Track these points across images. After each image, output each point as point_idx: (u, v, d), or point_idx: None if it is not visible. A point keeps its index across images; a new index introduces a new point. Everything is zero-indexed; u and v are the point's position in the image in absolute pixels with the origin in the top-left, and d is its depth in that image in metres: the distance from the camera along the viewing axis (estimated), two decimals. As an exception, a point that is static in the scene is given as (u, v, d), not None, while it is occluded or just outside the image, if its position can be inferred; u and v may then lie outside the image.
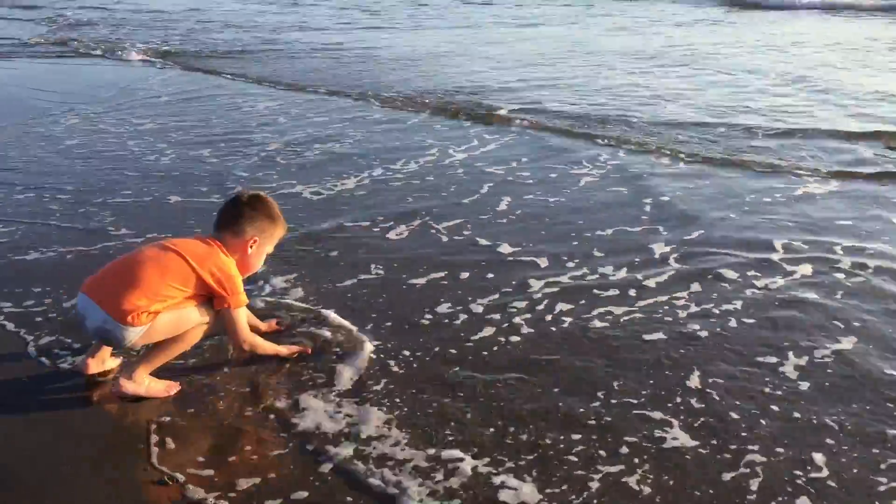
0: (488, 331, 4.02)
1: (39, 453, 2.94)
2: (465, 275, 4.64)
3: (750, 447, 3.13)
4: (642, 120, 8.11)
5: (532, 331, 3.98)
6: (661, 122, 8.09)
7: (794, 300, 4.30)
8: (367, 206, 5.74)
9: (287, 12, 19.40)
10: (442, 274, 4.63)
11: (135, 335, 2.89)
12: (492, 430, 3.25)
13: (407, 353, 3.79)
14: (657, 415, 3.35)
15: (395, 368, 3.66)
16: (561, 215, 5.59)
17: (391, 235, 5.24)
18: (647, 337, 4.00)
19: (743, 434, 3.22)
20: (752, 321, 4.08)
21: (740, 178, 6.51)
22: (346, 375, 3.48)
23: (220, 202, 3.55)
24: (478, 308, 4.26)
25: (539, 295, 4.39)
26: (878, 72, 10.95)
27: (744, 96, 9.40)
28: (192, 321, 3.00)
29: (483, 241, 5.13)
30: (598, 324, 4.12)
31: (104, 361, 3.22)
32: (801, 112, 8.60)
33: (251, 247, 3.09)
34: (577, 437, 3.21)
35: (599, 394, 3.51)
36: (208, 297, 3.03)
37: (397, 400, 3.34)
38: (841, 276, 4.65)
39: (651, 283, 4.60)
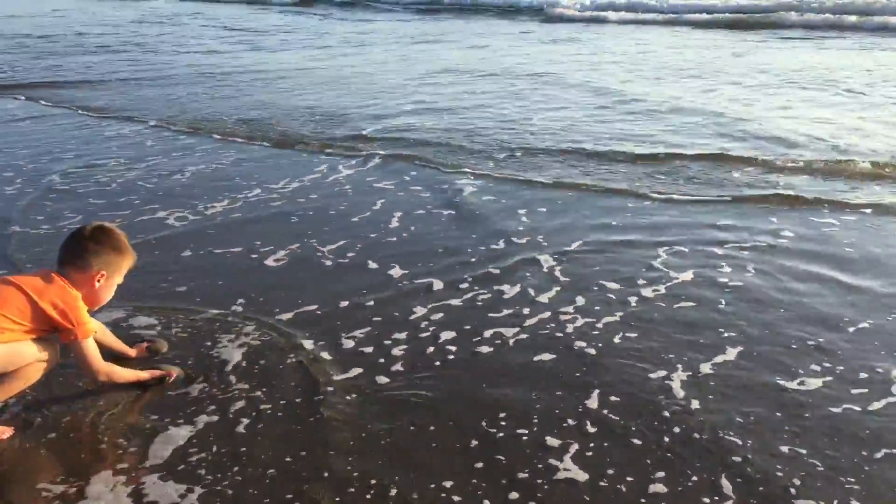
0: (356, 371, 3.54)
1: None
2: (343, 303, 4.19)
3: (657, 474, 2.86)
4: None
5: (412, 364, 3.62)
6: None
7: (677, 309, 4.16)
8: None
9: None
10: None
11: None
12: (352, 489, 2.77)
13: (264, 400, 3.32)
14: (553, 442, 3.04)
15: (245, 422, 3.17)
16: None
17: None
18: (537, 357, 3.67)
19: (647, 461, 2.94)
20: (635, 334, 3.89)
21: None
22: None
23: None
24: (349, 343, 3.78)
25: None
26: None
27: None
28: (26, 357, 2.85)
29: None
30: (485, 349, 3.73)
31: None
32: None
33: (98, 281, 3.01)
34: (454, 484, 2.80)
35: (486, 427, 3.14)
36: (51, 331, 2.92)
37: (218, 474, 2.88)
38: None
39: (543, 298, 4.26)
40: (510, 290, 4.41)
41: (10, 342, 2.83)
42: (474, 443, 3.07)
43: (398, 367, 3.61)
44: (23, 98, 10.59)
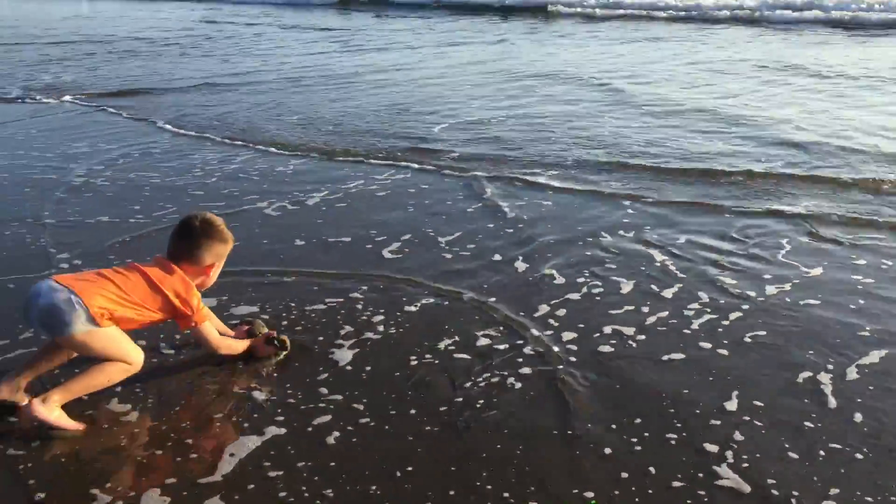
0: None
1: None
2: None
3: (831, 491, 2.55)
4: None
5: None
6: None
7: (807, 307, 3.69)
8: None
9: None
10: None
11: (82, 324, 2.80)
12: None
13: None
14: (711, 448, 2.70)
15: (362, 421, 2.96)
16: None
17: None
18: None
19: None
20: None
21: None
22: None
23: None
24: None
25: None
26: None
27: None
28: (127, 352, 2.94)
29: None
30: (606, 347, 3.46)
31: (19, 390, 3.00)
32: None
33: (209, 273, 3.20)
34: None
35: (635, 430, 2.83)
36: (170, 317, 3.10)
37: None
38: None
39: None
40: (626, 286, 4.13)
41: (125, 330, 3.00)
42: (634, 447, 2.81)
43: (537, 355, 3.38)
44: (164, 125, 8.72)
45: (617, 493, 2.55)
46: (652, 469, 2.66)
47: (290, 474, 2.71)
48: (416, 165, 6.64)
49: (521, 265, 4.44)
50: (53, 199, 5.81)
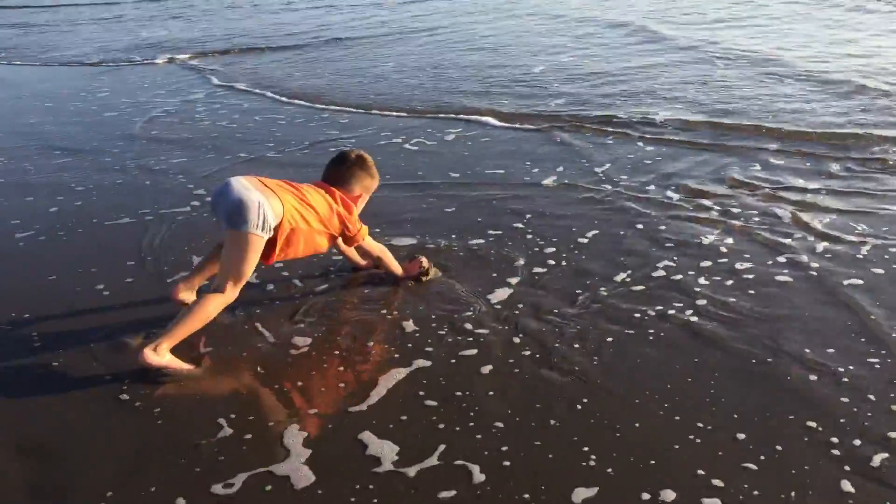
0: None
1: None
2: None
3: None
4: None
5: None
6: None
7: None
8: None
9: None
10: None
11: (255, 227, 2.93)
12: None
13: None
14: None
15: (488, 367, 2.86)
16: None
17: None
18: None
19: None
20: None
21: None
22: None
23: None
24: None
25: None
26: None
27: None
28: (248, 273, 3.02)
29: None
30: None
31: (193, 289, 3.32)
32: None
33: (357, 203, 3.39)
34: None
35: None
36: (337, 236, 3.29)
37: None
38: None
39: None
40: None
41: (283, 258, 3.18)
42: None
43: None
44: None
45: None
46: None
47: (445, 402, 2.63)
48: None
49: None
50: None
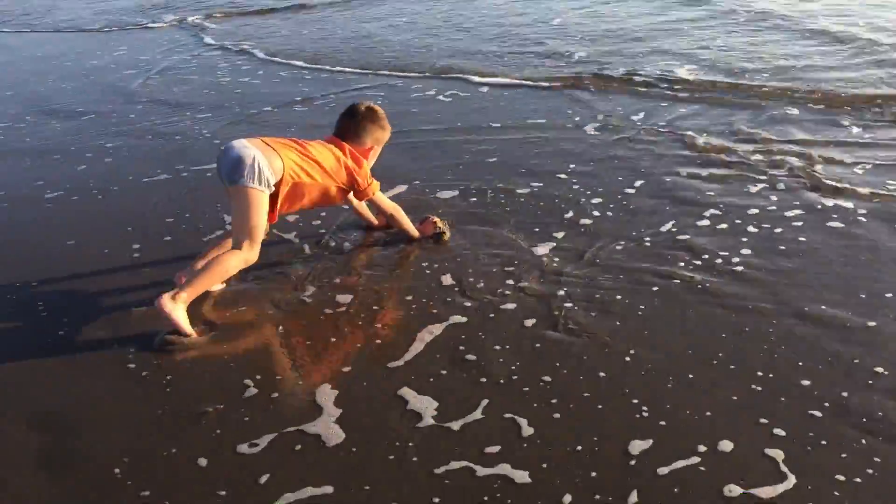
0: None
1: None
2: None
3: None
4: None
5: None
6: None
7: None
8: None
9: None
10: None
11: (253, 181, 2.94)
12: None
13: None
14: None
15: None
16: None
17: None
18: None
19: None
20: None
21: None
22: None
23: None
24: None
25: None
26: None
27: None
28: (261, 230, 3.00)
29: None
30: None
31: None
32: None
33: (368, 156, 3.37)
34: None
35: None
36: (347, 189, 3.27)
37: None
38: None
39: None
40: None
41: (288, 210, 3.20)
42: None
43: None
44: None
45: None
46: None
47: (486, 357, 2.51)
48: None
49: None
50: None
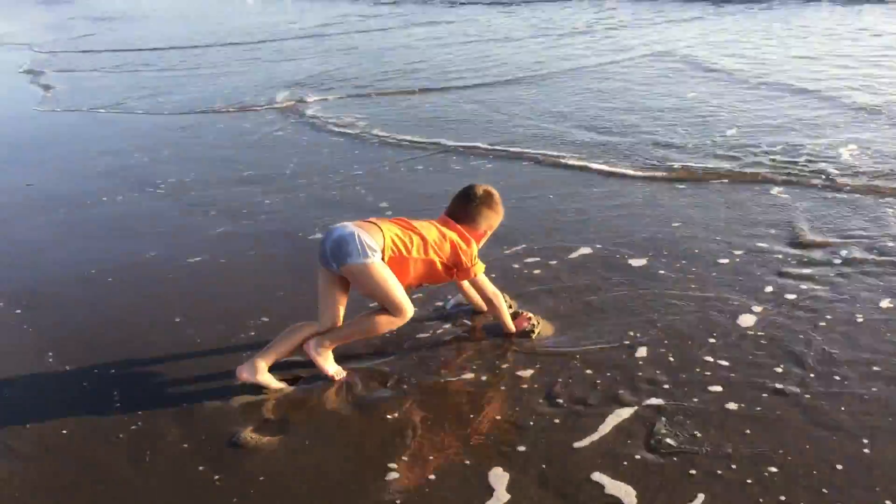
0: None
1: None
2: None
3: None
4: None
5: None
6: None
7: None
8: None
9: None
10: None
11: (359, 256, 2.94)
12: None
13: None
14: None
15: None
16: None
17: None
18: None
19: None
20: None
21: None
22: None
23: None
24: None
25: None
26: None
27: None
28: (398, 295, 2.99)
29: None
30: None
31: (260, 372, 3.06)
32: None
33: (479, 240, 3.35)
34: None
35: None
36: (452, 267, 3.23)
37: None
38: None
39: None
40: None
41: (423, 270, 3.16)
42: None
43: None
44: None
45: None
46: None
47: (690, 443, 2.22)
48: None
49: None
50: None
